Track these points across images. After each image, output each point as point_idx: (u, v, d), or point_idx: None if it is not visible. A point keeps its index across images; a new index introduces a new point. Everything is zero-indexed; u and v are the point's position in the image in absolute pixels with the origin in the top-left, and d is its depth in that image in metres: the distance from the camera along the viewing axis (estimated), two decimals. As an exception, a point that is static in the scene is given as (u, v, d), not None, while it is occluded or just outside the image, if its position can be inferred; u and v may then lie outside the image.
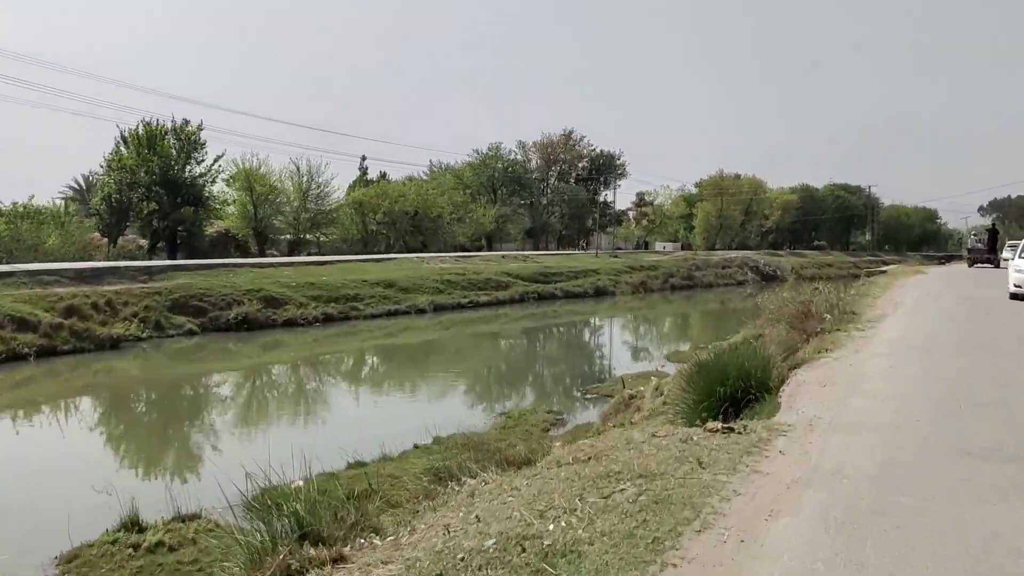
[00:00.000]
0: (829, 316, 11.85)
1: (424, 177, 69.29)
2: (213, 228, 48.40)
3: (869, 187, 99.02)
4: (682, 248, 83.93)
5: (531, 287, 47.73)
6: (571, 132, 68.77)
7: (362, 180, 66.95)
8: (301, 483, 13.21)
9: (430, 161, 74.47)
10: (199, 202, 44.11)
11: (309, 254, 50.19)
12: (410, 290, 41.09)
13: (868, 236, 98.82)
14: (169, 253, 44.09)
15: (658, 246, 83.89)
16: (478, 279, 46.35)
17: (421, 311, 39.54)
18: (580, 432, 14.80)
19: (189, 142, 43.96)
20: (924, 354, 9.57)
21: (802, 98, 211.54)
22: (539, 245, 68.17)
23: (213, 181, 45.43)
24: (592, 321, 44.06)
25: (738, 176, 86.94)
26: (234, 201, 48.28)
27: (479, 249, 62.54)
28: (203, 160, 44.65)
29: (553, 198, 69.14)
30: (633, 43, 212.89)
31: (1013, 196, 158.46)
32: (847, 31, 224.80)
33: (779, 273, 73.42)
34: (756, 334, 13.24)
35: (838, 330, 11.10)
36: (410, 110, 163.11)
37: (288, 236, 52.58)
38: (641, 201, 77.48)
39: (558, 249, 69.57)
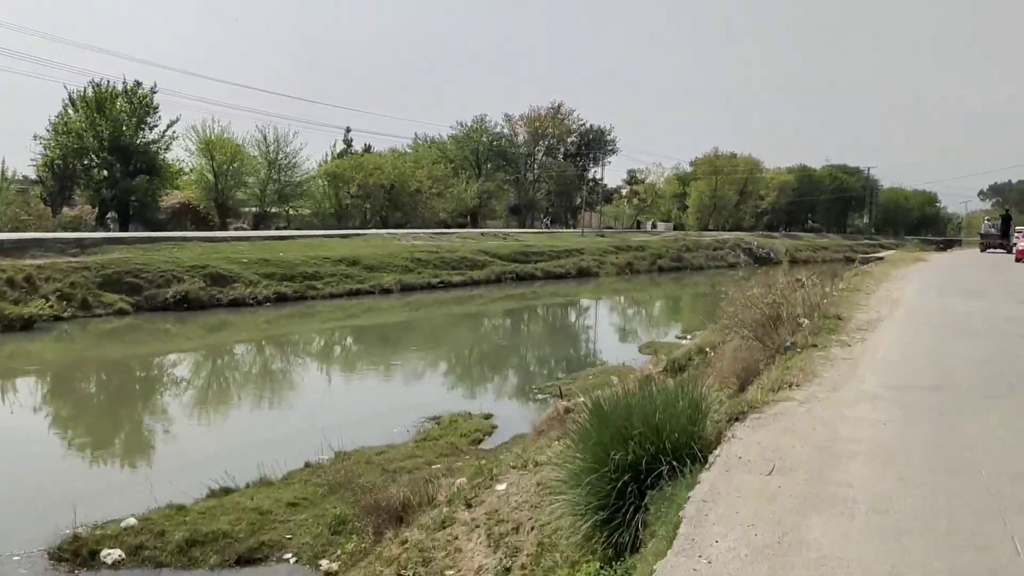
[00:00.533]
0: (806, 321, 9.03)
1: (408, 150, 66.22)
2: (171, 199, 45.39)
3: (868, 168, 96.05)
4: (675, 228, 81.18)
5: (509, 267, 44.96)
6: (559, 105, 65.59)
7: (346, 153, 63.86)
8: (134, 521, 10.69)
9: (415, 134, 71.24)
10: (152, 170, 41.04)
11: (277, 228, 47.27)
12: (376, 268, 38.28)
13: (865, 219, 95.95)
14: (120, 225, 41.14)
15: (650, 226, 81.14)
16: (452, 258, 43.54)
17: (387, 291, 36.78)
18: (512, 444, 12.23)
19: (141, 105, 40.77)
20: (935, 400, 6.26)
21: (803, 76, 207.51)
22: (525, 223, 65.31)
23: (167, 148, 42.30)
24: (571, 304, 41.39)
25: (733, 155, 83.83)
26: (192, 170, 45.18)
27: (462, 227, 59.81)
28: (156, 125, 41.49)
29: (540, 174, 66.11)
30: (629, 21, 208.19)
31: (1014, 181, 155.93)
32: (856, 8, 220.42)
33: (772, 256, 70.76)
34: (710, 343, 10.53)
35: (814, 346, 8.10)
36: (400, 82, 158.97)
37: (254, 209, 49.57)
38: (633, 179, 74.43)
39: (549, 228, 66.77)
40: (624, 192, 76.25)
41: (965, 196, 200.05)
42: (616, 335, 31.52)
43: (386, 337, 28.96)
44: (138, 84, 41.15)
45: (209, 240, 36.12)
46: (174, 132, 42.68)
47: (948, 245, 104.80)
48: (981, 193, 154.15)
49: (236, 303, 30.89)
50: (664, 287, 50.00)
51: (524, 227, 64.94)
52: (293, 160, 50.07)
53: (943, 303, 15.55)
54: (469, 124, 64.39)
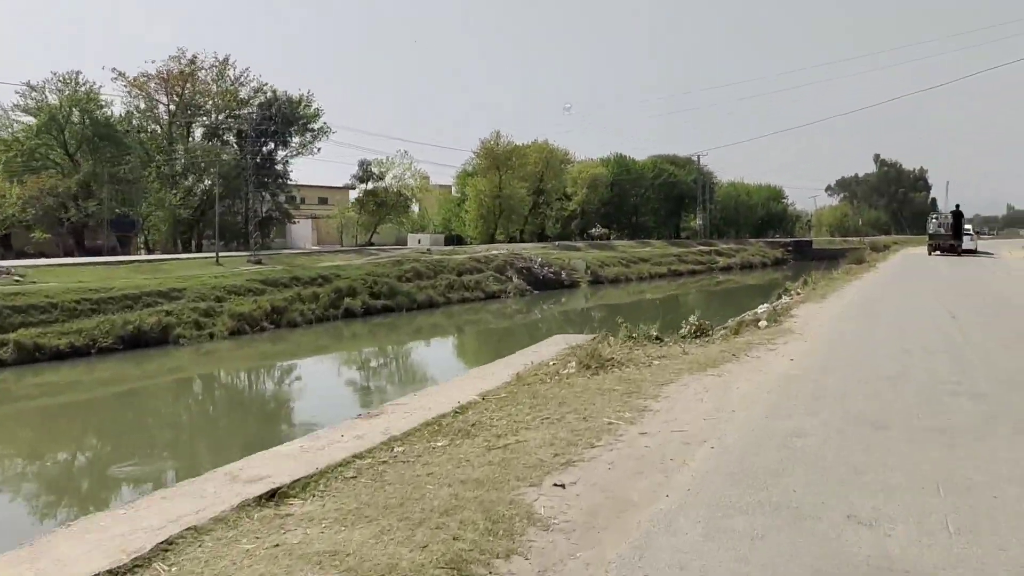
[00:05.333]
0: None
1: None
2: None
3: (698, 156, 77.88)
4: (447, 241, 59.12)
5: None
6: (194, 58, 41.74)
7: None
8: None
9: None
10: None
11: None
12: None
13: (699, 220, 77.61)
14: None
15: (410, 239, 58.54)
16: None
17: None
18: None
19: None
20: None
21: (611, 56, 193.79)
22: (178, 243, 40.88)
23: None
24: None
25: (518, 145, 62.72)
26: None
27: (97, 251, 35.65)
28: None
29: (188, 162, 41.77)
30: None
31: (861, 174, 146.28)
32: None
33: (565, 277, 49.78)
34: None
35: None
36: None
37: None
38: (366, 173, 51.51)
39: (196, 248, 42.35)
40: (358, 192, 52.97)
41: (812, 192, 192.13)
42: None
43: None
44: None
45: None
46: None
47: (798, 248, 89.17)
48: (829, 188, 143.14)
49: None
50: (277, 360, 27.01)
51: (164, 251, 40.74)
52: None
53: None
54: (48, 85, 39.21)
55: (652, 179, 75.09)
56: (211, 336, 27.18)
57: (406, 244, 55.56)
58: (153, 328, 25.96)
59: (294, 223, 48.33)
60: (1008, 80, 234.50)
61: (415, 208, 77.68)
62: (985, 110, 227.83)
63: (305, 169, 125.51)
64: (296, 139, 46.10)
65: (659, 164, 76.49)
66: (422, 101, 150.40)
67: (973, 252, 40.56)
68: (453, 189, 73.08)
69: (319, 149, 46.49)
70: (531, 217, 66.68)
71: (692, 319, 12.40)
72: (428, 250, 46.12)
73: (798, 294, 18.83)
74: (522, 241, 62.42)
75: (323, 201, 56.81)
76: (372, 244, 50.58)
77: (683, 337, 11.59)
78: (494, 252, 48.40)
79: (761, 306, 18.83)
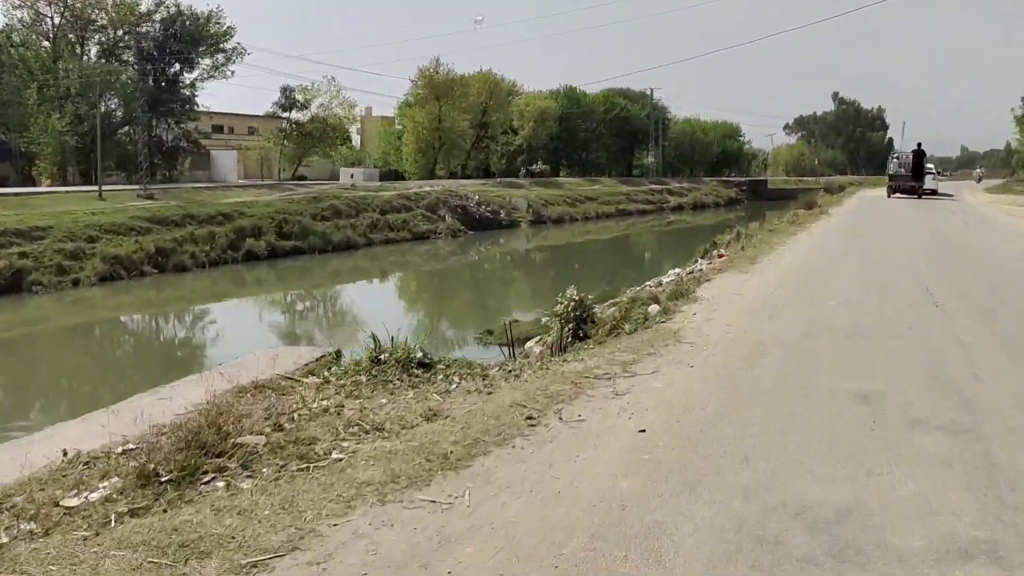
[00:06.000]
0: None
1: None
2: None
3: (651, 90, 74.34)
4: (381, 177, 55.34)
5: None
6: None
7: None
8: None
9: None
10: None
11: None
12: None
13: (651, 158, 74.59)
14: None
15: (343, 173, 54.63)
16: None
17: None
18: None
19: None
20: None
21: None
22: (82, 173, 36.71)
23: None
24: None
25: (461, 75, 58.39)
26: None
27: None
28: None
29: (82, 83, 37.13)
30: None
31: (819, 113, 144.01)
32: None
33: (504, 216, 46.70)
34: None
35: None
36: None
37: None
38: (289, 100, 47.05)
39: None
40: (284, 121, 48.58)
41: (770, 130, 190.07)
42: None
43: None
44: None
45: None
46: None
47: (753, 187, 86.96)
48: (787, 127, 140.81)
49: None
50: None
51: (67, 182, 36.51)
52: None
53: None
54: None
55: (604, 114, 71.52)
56: (75, 283, 23.71)
57: (339, 179, 51.77)
58: (2, 273, 22.40)
59: (202, 153, 43.89)
60: (964, 23, 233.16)
61: (356, 140, 73.36)
62: (941, 49, 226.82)
63: (236, 98, 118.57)
64: (207, 61, 41.54)
65: (611, 98, 72.80)
66: (366, 22, 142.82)
67: (934, 193, 38.19)
68: (397, 121, 68.74)
69: (232, 72, 42.04)
70: (474, 152, 63.00)
71: (570, 293, 8.84)
72: (353, 186, 42.54)
73: (721, 256, 15.17)
74: (465, 177, 58.90)
75: (252, 131, 52.27)
76: (304, 179, 46.58)
77: (543, 332, 8.41)
78: (427, 189, 44.91)
79: (670, 273, 15.65)
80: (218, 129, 56.35)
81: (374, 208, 38.32)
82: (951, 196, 40.82)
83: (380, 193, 41.35)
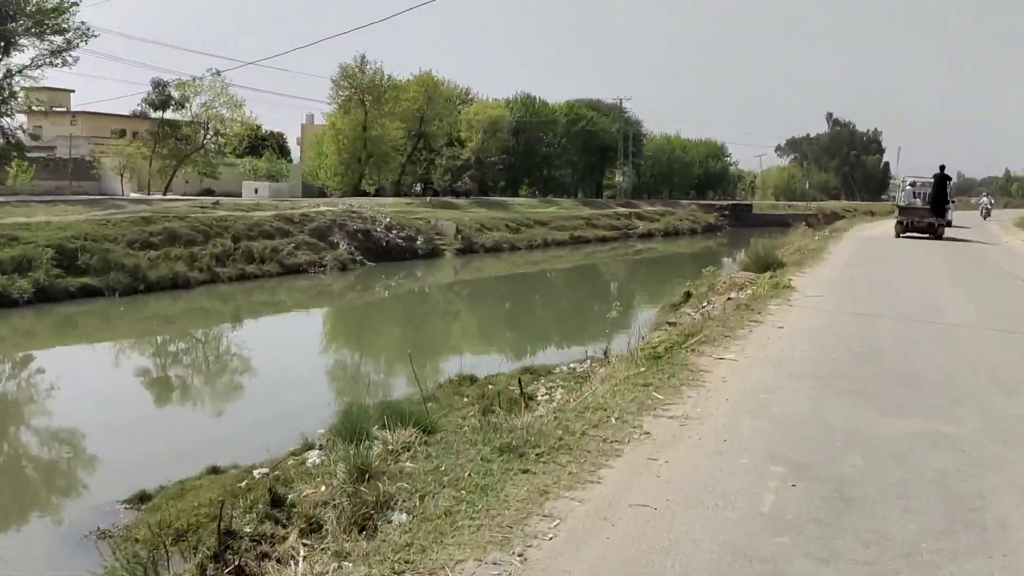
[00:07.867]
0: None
1: None
2: None
3: (620, 100, 66.03)
4: (309, 193, 46.91)
5: None
6: None
7: None
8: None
9: None
10: None
11: None
12: None
13: (620, 176, 66.09)
14: None
15: (246, 187, 46.16)
16: None
17: None
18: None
19: None
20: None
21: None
22: None
23: None
24: None
25: (392, 77, 50.00)
26: None
27: None
28: None
29: None
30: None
31: (812, 134, 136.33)
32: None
33: (422, 243, 37.87)
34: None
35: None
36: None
37: None
38: (162, 97, 38.39)
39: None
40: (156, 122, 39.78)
41: (759, 151, 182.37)
42: None
43: None
44: None
45: None
46: None
47: (735, 212, 78.60)
48: (779, 148, 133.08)
49: None
50: None
51: None
52: None
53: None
54: None
55: (568, 126, 63.16)
56: None
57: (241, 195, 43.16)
58: None
59: (86, 160, 35.01)
60: (964, 47, 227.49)
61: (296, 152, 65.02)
62: (937, 76, 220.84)
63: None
64: (43, 44, 32.90)
65: (576, 109, 64.49)
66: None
67: (949, 225, 28.65)
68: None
69: (76, 60, 33.40)
70: (411, 166, 54.45)
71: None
72: (215, 203, 33.75)
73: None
74: (399, 195, 50.44)
75: (122, 134, 43.57)
76: (212, 192, 37.97)
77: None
78: (323, 209, 36.26)
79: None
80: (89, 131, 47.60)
81: (229, 234, 29.55)
82: (968, 229, 32.35)
83: (250, 214, 32.63)
